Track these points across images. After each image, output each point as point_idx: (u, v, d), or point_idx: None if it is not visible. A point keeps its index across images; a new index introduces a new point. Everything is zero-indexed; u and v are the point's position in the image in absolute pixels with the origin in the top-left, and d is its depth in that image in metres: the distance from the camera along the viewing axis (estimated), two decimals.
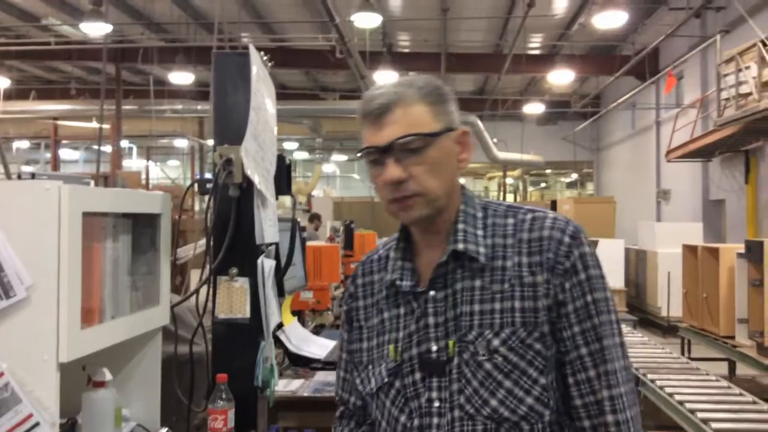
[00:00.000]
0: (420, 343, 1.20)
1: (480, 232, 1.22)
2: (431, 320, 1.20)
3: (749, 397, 3.85)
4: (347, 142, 23.74)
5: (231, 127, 1.89)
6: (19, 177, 1.49)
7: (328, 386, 2.63)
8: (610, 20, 10.83)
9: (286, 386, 2.62)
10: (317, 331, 3.53)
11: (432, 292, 1.21)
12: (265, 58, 2.01)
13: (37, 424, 1.36)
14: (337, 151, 24.94)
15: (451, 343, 1.17)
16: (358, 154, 1.23)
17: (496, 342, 1.16)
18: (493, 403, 1.15)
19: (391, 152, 1.17)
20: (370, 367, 1.27)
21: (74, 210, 1.40)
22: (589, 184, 23.55)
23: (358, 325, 1.34)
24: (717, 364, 5.88)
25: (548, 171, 24.70)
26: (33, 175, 1.51)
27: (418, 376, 1.20)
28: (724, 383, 4.25)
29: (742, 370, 5.70)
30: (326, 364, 2.84)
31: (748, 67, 8.79)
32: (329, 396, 2.55)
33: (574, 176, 24.53)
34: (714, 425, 3.29)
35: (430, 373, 1.18)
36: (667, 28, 11.56)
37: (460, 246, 1.20)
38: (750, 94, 8.80)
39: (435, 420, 1.17)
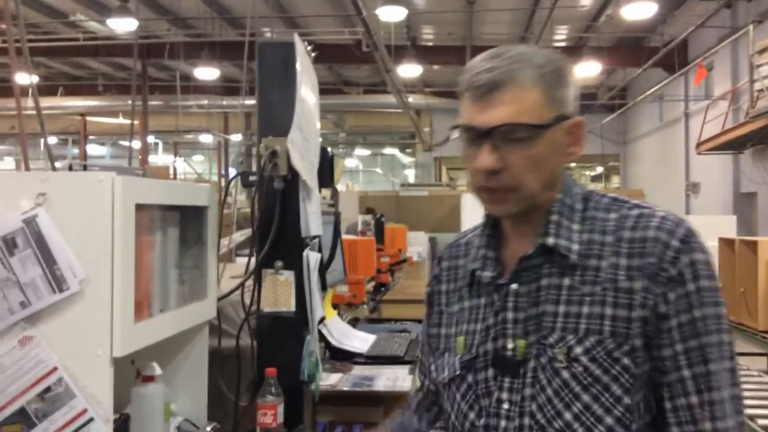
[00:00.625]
0: (497, 339, 1.11)
1: (576, 226, 1.10)
2: (510, 315, 1.10)
3: None
4: (370, 137, 23.72)
5: (275, 118, 1.86)
6: (71, 168, 1.47)
7: (366, 380, 2.61)
8: (638, 11, 10.68)
9: (324, 380, 2.60)
10: (352, 324, 3.51)
11: (514, 286, 1.10)
12: (309, 48, 1.98)
13: (91, 420, 1.35)
14: (360, 145, 24.93)
15: (522, 343, 1.08)
16: (453, 129, 1.15)
17: (578, 349, 1.03)
18: (567, 416, 1.03)
19: (490, 138, 1.04)
20: (447, 355, 1.20)
21: (127, 201, 1.38)
22: (614, 177, 23.29)
23: (439, 310, 1.26)
24: (755, 359, 5.77)
25: (572, 164, 24.49)
26: (85, 167, 1.49)
27: (491, 372, 1.11)
28: (766, 378, 4.16)
29: None
30: (368, 359, 2.81)
31: None
32: (368, 390, 2.53)
33: (600, 169, 24.26)
34: (761, 422, 3.22)
35: (503, 372, 1.10)
36: (697, 18, 11.37)
37: (550, 240, 1.08)
38: None
39: (503, 423, 1.09)
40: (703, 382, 1.01)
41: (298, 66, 1.85)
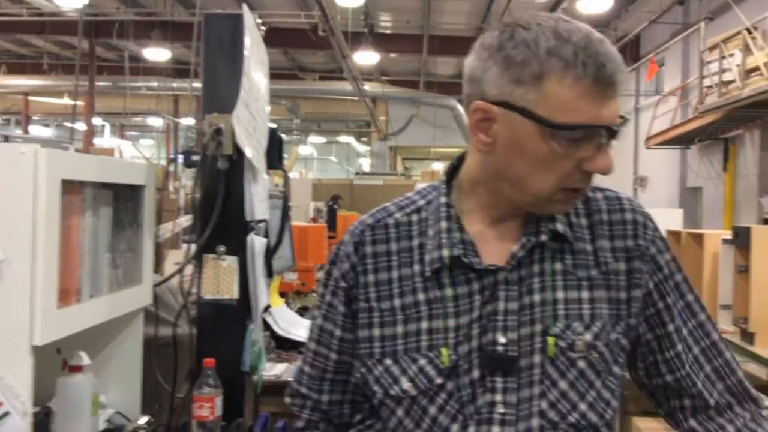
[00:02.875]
0: (482, 334, 0.97)
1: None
2: (501, 305, 0.97)
3: None
4: (325, 124, 23.54)
5: (221, 94, 1.76)
6: None
7: None
8: (593, 5, 10.81)
9: (269, 371, 2.52)
10: (301, 313, 3.42)
11: (506, 273, 0.98)
12: (258, 21, 1.88)
13: (7, 413, 1.24)
14: (315, 132, 24.74)
15: (551, 340, 0.96)
16: (572, 129, 0.90)
17: (588, 336, 0.97)
18: (582, 407, 0.97)
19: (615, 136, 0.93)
20: (389, 361, 1.01)
21: (52, 177, 1.27)
22: None
23: (367, 306, 1.03)
24: None
25: None
26: (6, 138, 1.37)
27: (476, 374, 0.96)
28: None
29: None
30: None
31: (732, 55, 8.80)
32: None
33: None
34: None
35: (493, 371, 0.96)
36: (650, 14, 11.57)
37: (560, 227, 1.00)
38: (733, 81, 8.82)
39: (497, 429, 0.95)
40: (699, 332, 1.07)
41: (246, 40, 1.75)
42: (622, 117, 0.94)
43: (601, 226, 1.03)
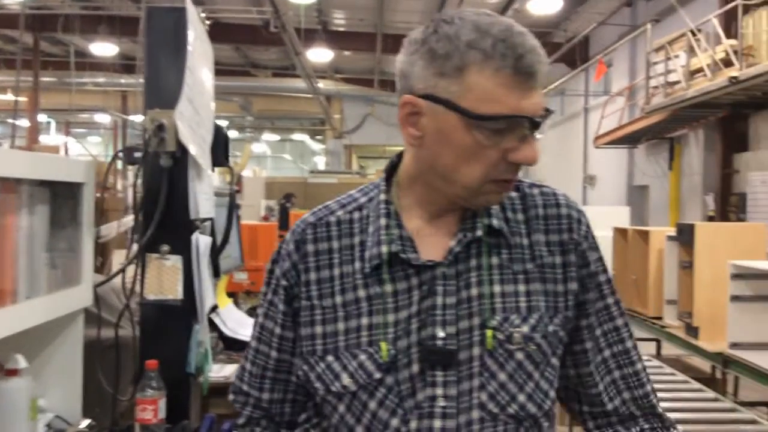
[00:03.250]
0: (421, 329, 0.97)
1: (496, 206, 1.04)
2: (439, 300, 0.98)
3: (681, 377, 3.94)
4: (279, 122, 23.36)
5: (164, 89, 1.72)
6: None
7: None
8: (544, 6, 10.99)
9: (219, 372, 2.48)
10: (251, 313, 3.38)
11: (443, 268, 0.98)
12: (203, 15, 1.85)
13: None
14: (268, 130, 24.54)
15: (489, 333, 0.98)
16: (490, 119, 0.91)
17: (525, 328, 0.99)
18: (521, 398, 0.98)
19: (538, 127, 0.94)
20: (331, 358, 1.01)
21: None
22: None
23: (309, 304, 1.03)
24: (645, 344, 6.04)
25: None
26: None
27: (415, 368, 0.97)
28: (656, 363, 4.35)
29: (668, 350, 5.87)
30: None
31: (677, 56, 9.04)
32: None
33: None
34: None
35: (433, 365, 0.97)
36: (599, 16, 11.80)
37: (495, 222, 1.01)
38: (678, 82, 9.06)
39: (437, 423, 0.96)
40: (614, 336, 1.09)
41: (189, 34, 1.71)
42: (547, 110, 0.95)
43: (536, 221, 1.05)
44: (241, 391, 1.13)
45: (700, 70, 8.61)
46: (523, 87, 0.92)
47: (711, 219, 9.72)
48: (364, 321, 1.00)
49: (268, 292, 1.09)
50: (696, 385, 3.85)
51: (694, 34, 8.64)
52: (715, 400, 3.62)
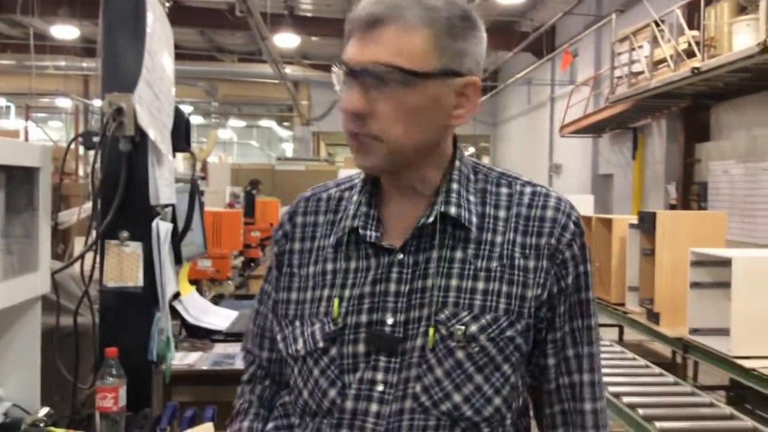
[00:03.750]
0: (372, 311, 0.99)
1: (472, 198, 1.02)
2: (392, 287, 0.98)
3: (642, 362, 4.02)
4: (246, 108, 23.12)
5: (122, 72, 1.69)
6: None
7: (228, 359, 2.49)
8: None
9: (182, 359, 2.46)
10: (216, 301, 3.35)
11: (400, 255, 0.99)
12: None
13: None
14: (235, 116, 24.27)
15: (431, 331, 0.96)
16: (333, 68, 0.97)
17: (474, 328, 0.96)
18: (457, 398, 0.96)
19: (360, 78, 0.93)
20: (298, 323, 1.05)
21: None
22: (485, 158, 24.12)
23: (289, 272, 1.09)
24: (608, 330, 6.15)
25: None
26: None
27: (361, 348, 0.99)
28: (618, 348, 4.43)
29: (630, 335, 5.99)
30: (228, 336, 2.68)
31: (641, 47, 9.15)
32: (230, 369, 2.41)
33: (472, 149, 25.07)
34: (612, 389, 3.40)
35: (378, 349, 0.98)
36: (564, 5, 11.88)
37: (453, 210, 0.99)
38: (642, 72, 9.18)
39: (374, 407, 0.98)
40: (582, 362, 1.04)
41: (149, 16, 1.68)
42: (381, 64, 0.92)
43: (517, 220, 1.01)
44: (247, 349, 1.20)
45: (663, 60, 8.73)
46: (355, 37, 0.95)
47: (673, 207, 9.91)
48: (326, 292, 1.03)
49: (270, 258, 1.15)
50: (657, 369, 3.94)
51: (657, 25, 8.75)
52: (675, 384, 3.71)
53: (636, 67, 9.42)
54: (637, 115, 10.73)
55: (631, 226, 5.27)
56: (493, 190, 1.04)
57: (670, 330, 4.66)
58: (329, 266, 1.04)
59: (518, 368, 1.00)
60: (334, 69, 0.98)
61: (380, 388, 0.98)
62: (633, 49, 9.39)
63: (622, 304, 5.39)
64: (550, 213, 1.01)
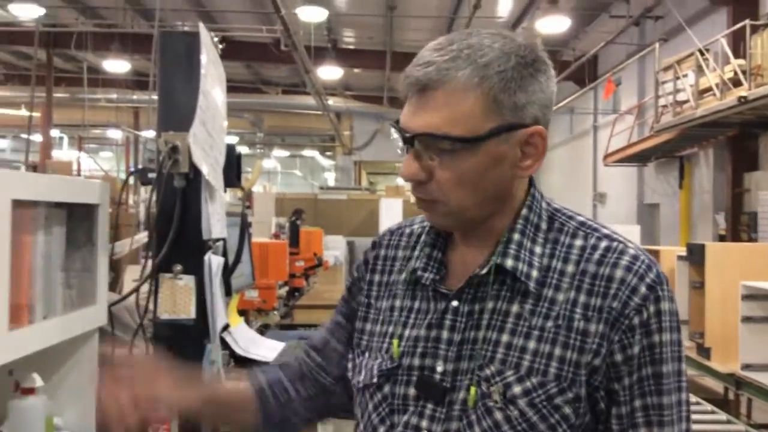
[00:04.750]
0: (425, 355, 0.97)
1: (538, 249, 0.95)
2: (445, 334, 0.96)
3: (693, 399, 3.92)
4: (289, 138, 23.48)
5: (177, 112, 1.74)
6: None
7: None
8: (552, 25, 11.02)
9: None
10: (262, 331, 3.40)
11: (455, 303, 0.96)
12: (215, 39, 1.88)
13: None
14: (279, 146, 24.65)
15: (473, 388, 0.92)
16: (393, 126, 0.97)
17: (516, 389, 0.90)
18: None
19: (414, 146, 0.92)
20: (366, 355, 1.05)
21: (2, 196, 1.24)
22: None
23: (367, 302, 1.10)
24: None
25: None
26: None
27: (412, 391, 0.97)
28: None
29: None
30: None
31: (685, 75, 9.05)
32: None
33: None
34: None
35: (426, 396, 0.96)
36: (607, 35, 11.83)
37: (509, 263, 0.94)
38: (687, 101, 9.07)
39: None
40: None
41: (202, 57, 1.74)
42: (430, 135, 0.90)
43: (582, 277, 0.93)
44: (308, 342, 1.22)
45: (708, 89, 8.62)
46: (411, 101, 0.93)
47: (722, 238, 9.68)
48: (390, 329, 1.03)
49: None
50: (709, 407, 3.83)
51: (702, 54, 8.66)
52: (728, 422, 3.60)
53: (681, 96, 9.32)
54: (683, 144, 10.58)
55: (680, 258, 5.17)
56: (566, 242, 0.96)
57: (722, 365, 4.53)
58: (397, 303, 1.04)
59: None
60: (393, 129, 0.97)
61: None
62: (677, 77, 9.29)
63: None
64: (619, 273, 0.92)
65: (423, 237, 1.05)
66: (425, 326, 0.99)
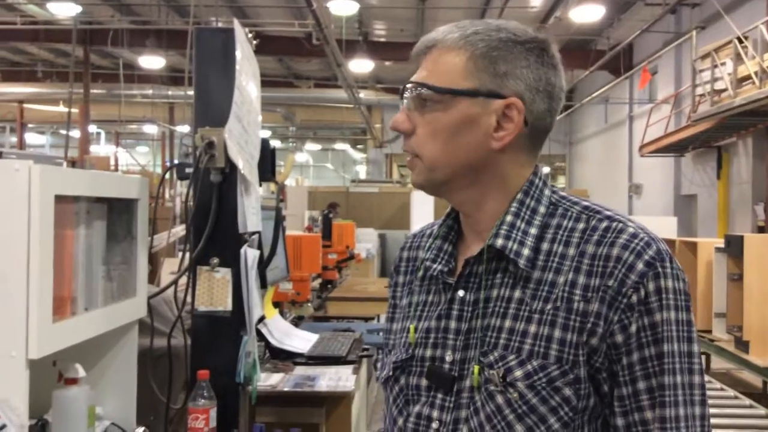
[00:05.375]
0: (436, 346, 0.99)
1: (533, 230, 0.96)
2: (453, 324, 0.98)
3: (731, 392, 3.85)
4: (321, 131, 23.57)
5: (213, 108, 1.78)
6: None
7: (308, 381, 2.55)
8: (586, 14, 10.88)
9: (265, 380, 2.53)
10: (296, 323, 3.44)
11: (461, 292, 0.98)
12: (249, 35, 1.90)
13: (3, 426, 1.25)
14: (311, 140, 24.76)
15: (476, 368, 0.94)
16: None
17: (517, 372, 0.91)
18: None
19: (404, 98, 1.00)
20: (392, 352, 1.09)
21: (46, 192, 1.28)
22: (560, 178, 23.71)
23: (393, 303, 1.15)
24: None
25: None
26: (0, 154, 1.38)
27: (424, 381, 1.00)
28: (705, 378, 4.26)
29: (717, 363, 5.74)
30: (309, 359, 2.74)
31: (723, 64, 8.86)
32: (311, 391, 2.47)
33: (546, 170, 24.73)
34: None
35: (436, 386, 0.98)
36: (642, 23, 11.62)
37: (499, 242, 0.95)
38: (725, 90, 8.88)
39: None
40: (663, 427, 0.88)
41: (237, 53, 1.77)
42: (412, 83, 0.98)
43: (582, 259, 0.93)
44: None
45: (747, 77, 8.41)
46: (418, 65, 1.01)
47: (761, 229, 9.47)
48: (408, 323, 1.06)
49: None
50: (747, 401, 3.77)
51: (741, 42, 8.46)
52: (767, 417, 3.54)
53: (719, 85, 9.12)
54: (721, 133, 10.36)
55: (718, 249, 5.07)
56: (569, 226, 0.96)
57: (760, 359, 4.45)
58: (414, 298, 1.08)
59: (574, 425, 0.90)
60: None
61: (435, 425, 0.97)
62: (715, 66, 9.10)
63: (709, 331, 5.17)
64: (616, 251, 0.90)
65: (435, 230, 1.08)
66: (435, 317, 1.01)
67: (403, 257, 1.16)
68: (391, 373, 1.04)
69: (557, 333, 0.91)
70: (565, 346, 0.90)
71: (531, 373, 0.91)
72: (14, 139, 19.10)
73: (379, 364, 1.15)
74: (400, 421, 1.02)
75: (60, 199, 1.34)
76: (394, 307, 1.14)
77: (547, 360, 0.90)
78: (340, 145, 25.63)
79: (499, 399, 0.92)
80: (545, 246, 0.96)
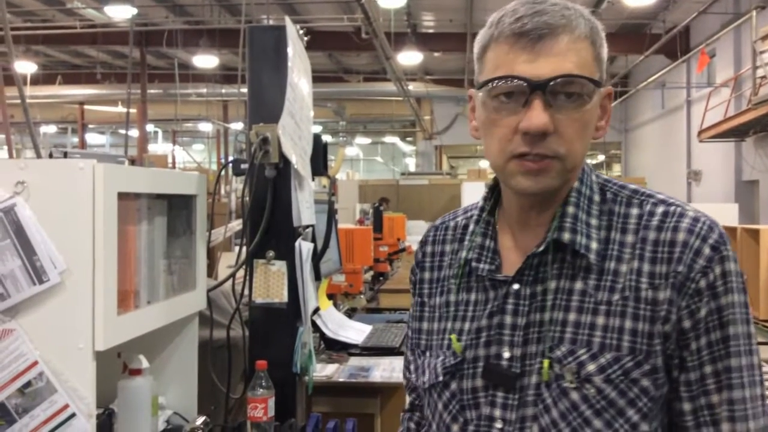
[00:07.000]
0: (489, 344, 0.95)
1: (594, 221, 0.93)
2: (509, 320, 0.94)
3: None
4: (371, 125, 23.64)
5: (267, 104, 1.81)
6: (51, 156, 1.42)
7: (363, 371, 2.58)
8: None
9: (320, 371, 2.57)
10: (349, 315, 3.48)
11: (516, 286, 0.94)
12: (301, 32, 1.93)
13: (73, 415, 1.30)
14: (361, 133, 24.85)
15: (546, 363, 0.90)
16: (486, 84, 0.90)
17: (591, 367, 0.88)
18: None
19: (544, 93, 0.86)
20: (427, 354, 1.04)
21: (109, 190, 1.33)
22: (615, 166, 23.23)
23: (421, 301, 1.09)
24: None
25: None
26: (65, 154, 1.44)
27: (480, 383, 0.96)
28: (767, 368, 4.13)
29: None
30: (363, 350, 2.78)
31: None
32: (365, 382, 2.50)
33: (601, 157, 24.25)
34: None
35: (495, 385, 0.94)
36: (699, 5, 11.27)
37: (566, 236, 0.92)
38: None
39: None
40: (732, 409, 0.89)
41: (289, 50, 1.79)
42: (567, 75, 0.87)
43: (644, 246, 0.91)
44: (404, 374, 1.18)
45: None
46: (524, 50, 0.87)
47: None
48: (449, 324, 1.02)
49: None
50: None
51: None
52: None
53: None
54: None
55: None
56: (622, 212, 0.94)
57: None
58: (452, 297, 1.03)
59: (652, 415, 0.89)
60: (486, 89, 0.91)
61: (499, 425, 0.94)
62: None
63: None
64: (681, 236, 0.89)
65: (471, 227, 1.03)
66: (486, 316, 0.97)
67: (426, 252, 1.11)
68: (440, 379, 0.99)
69: (628, 323, 0.89)
70: (637, 336, 0.88)
71: (605, 367, 0.88)
72: (76, 140, 19.76)
73: (412, 366, 1.08)
74: (455, 428, 0.98)
75: (123, 196, 1.39)
76: (422, 305, 1.08)
77: (620, 352, 0.88)
78: (389, 138, 25.64)
79: (574, 395, 0.89)
80: (603, 234, 0.93)
